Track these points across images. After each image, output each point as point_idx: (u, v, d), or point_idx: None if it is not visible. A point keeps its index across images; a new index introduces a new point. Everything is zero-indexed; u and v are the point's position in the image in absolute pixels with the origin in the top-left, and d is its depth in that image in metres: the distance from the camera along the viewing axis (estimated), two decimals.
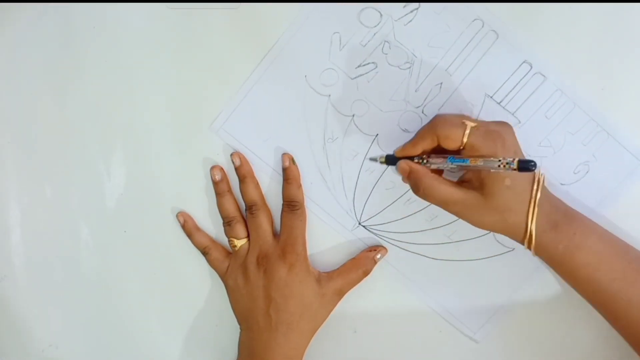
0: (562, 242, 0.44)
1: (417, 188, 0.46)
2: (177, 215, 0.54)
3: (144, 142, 0.54)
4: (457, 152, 0.45)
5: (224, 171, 0.53)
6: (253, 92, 0.52)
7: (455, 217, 0.51)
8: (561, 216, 0.45)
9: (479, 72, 0.50)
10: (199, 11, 0.51)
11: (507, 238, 0.48)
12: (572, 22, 0.49)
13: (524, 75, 0.49)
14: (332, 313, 0.52)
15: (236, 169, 0.53)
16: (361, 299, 0.53)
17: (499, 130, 0.45)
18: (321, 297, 0.51)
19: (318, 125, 0.52)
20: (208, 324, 0.56)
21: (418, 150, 0.47)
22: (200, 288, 0.55)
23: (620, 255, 0.45)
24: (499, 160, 0.41)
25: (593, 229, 0.46)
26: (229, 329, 0.54)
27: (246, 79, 0.52)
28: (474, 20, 0.49)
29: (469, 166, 0.43)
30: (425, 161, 0.47)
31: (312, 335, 0.52)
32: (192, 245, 0.54)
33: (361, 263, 0.52)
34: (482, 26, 0.49)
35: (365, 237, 0.53)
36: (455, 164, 0.44)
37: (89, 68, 0.53)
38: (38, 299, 0.56)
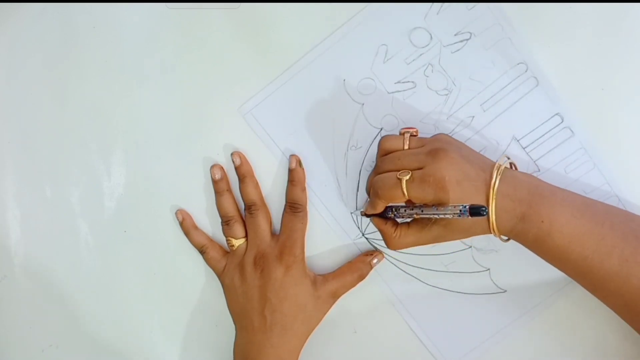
0: (531, 231, 0.44)
1: (387, 245, 0.49)
2: (176, 213, 0.54)
3: (144, 142, 0.53)
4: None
5: (223, 170, 0.53)
6: (289, 84, 0.51)
7: (456, 249, 0.52)
8: (526, 207, 0.44)
9: (511, 114, 0.50)
10: (201, 11, 0.51)
11: (501, 279, 0.49)
12: (604, 77, 0.50)
13: (554, 127, 0.50)
14: (332, 313, 0.53)
15: (236, 168, 0.53)
16: (361, 300, 0.54)
17: (432, 171, 0.44)
18: (316, 299, 0.51)
19: (345, 131, 0.52)
20: (208, 324, 0.55)
21: (379, 210, 0.48)
22: (200, 288, 0.55)
23: (596, 229, 0.44)
24: (453, 211, 0.42)
25: (563, 209, 0.44)
26: (228, 330, 0.54)
27: (286, 70, 0.51)
28: (519, 63, 0.50)
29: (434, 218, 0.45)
30: (396, 212, 0.48)
31: (307, 338, 0.52)
32: (192, 246, 0.54)
33: (357, 267, 0.53)
34: (526, 70, 0.50)
35: (365, 250, 0.53)
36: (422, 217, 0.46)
37: (89, 68, 0.53)
38: (38, 299, 0.56)
